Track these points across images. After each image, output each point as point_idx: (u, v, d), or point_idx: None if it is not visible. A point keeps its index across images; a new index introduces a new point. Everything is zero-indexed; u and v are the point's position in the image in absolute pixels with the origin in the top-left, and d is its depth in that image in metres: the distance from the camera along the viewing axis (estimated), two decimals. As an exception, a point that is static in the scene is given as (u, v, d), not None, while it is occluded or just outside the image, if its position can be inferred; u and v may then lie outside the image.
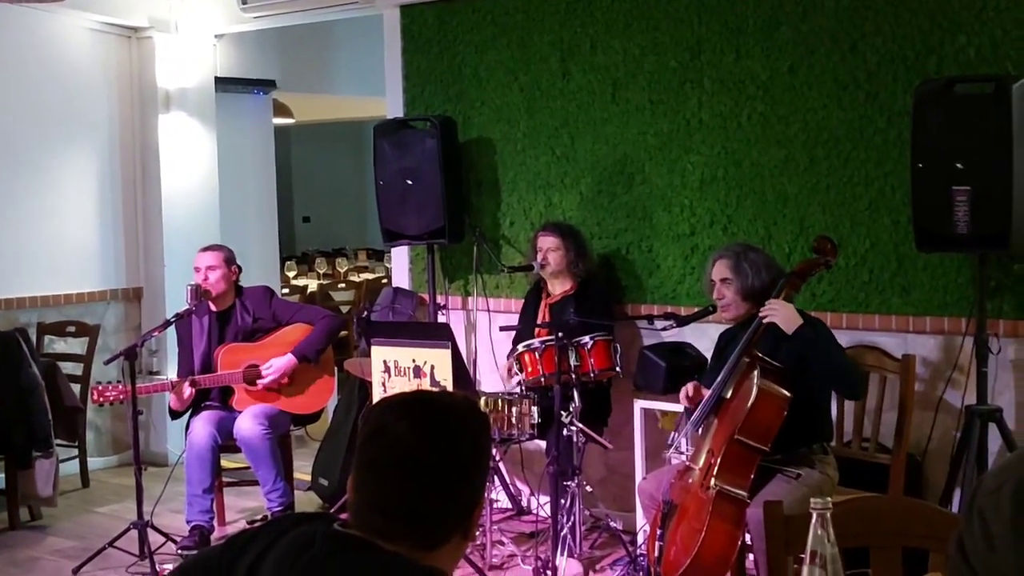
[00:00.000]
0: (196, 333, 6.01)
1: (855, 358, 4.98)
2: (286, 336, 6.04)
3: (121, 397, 5.64)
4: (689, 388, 4.72)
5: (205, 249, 6.06)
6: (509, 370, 5.78)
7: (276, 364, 5.93)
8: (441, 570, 1.86)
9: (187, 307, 5.83)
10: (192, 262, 6.07)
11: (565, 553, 5.20)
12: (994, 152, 4.35)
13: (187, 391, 5.79)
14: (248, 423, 5.77)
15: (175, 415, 6.00)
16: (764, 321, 4.49)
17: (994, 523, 1.29)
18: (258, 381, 5.92)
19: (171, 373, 7.06)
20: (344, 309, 10.68)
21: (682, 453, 4.89)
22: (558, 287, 5.83)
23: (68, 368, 7.00)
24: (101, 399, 5.66)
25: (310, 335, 6.03)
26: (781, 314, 4.46)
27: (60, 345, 7.35)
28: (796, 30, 5.36)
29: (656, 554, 4.43)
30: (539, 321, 5.78)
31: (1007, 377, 4.89)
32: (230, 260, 6.02)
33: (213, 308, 6.02)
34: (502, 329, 5.80)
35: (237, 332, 6.00)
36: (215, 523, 5.93)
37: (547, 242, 5.75)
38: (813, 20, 5.31)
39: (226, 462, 6.33)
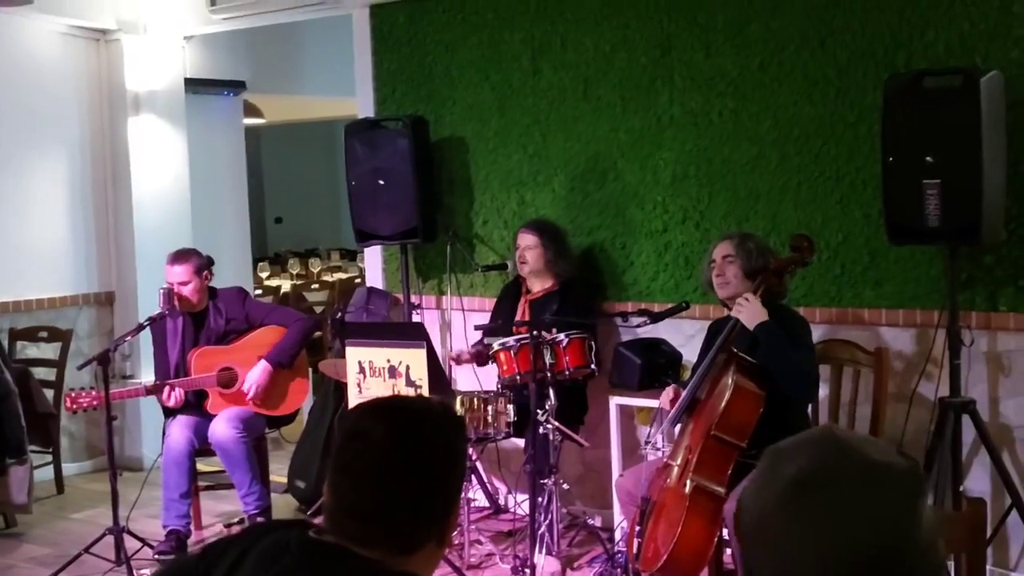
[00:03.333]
0: (170, 336, 5.97)
1: (827, 352, 5.02)
2: (259, 338, 6.01)
3: (95, 403, 5.61)
4: (670, 392, 4.73)
5: (174, 261, 5.92)
6: (459, 357, 5.77)
7: (253, 378, 5.89)
8: (416, 575, 1.86)
9: (160, 311, 5.80)
10: (164, 265, 6.02)
11: (543, 551, 5.20)
12: (963, 145, 4.37)
13: (176, 395, 5.74)
14: (223, 427, 5.75)
15: (169, 412, 5.93)
16: (733, 315, 4.53)
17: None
18: (247, 399, 5.89)
19: (145, 377, 7.05)
20: (318, 309, 10.67)
21: (658, 449, 4.90)
22: (538, 284, 5.83)
23: (41, 374, 6.96)
24: (75, 406, 5.62)
25: (283, 339, 6.00)
26: (746, 311, 4.51)
27: (32, 350, 7.30)
28: (766, 27, 5.38)
29: (635, 550, 4.45)
30: (518, 318, 5.78)
31: (980, 369, 4.92)
32: (201, 268, 5.93)
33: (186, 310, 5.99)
34: (477, 328, 5.80)
35: (211, 335, 5.97)
36: (192, 527, 5.90)
37: (525, 240, 5.75)
38: (782, 16, 5.33)
39: (202, 466, 6.30)
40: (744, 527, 1.48)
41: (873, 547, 1.39)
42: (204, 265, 5.97)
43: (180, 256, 5.97)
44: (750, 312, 4.50)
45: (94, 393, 5.61)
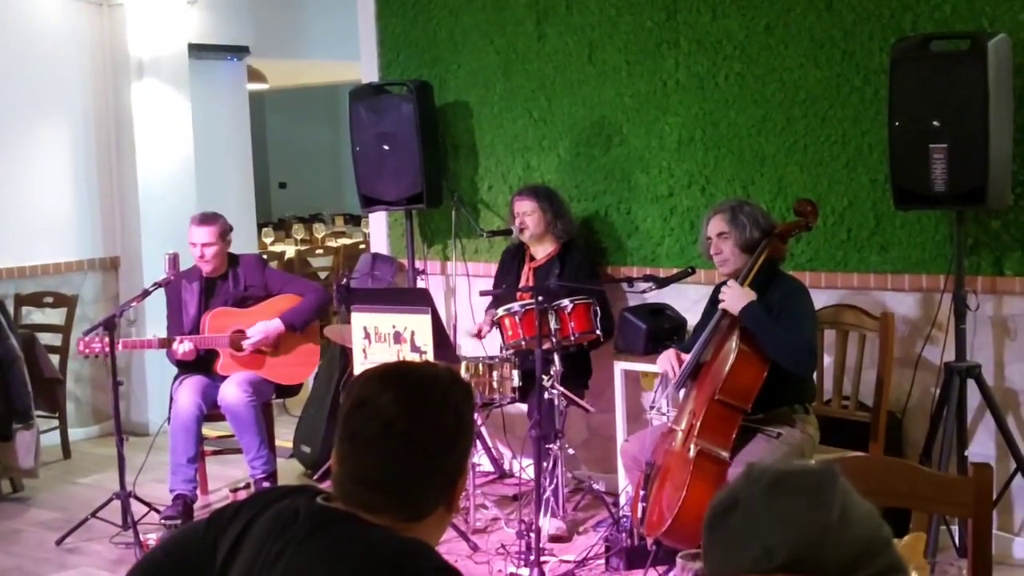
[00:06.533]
0: (187, 298, 5.98)
1: (833, 317, 5.02)
2: (275, 305, 6.01)
3: (107, 350, 5.58)
4: (672, 357, 4.73)
5: (200, 223, 5.95)
6: (479, 331, 5.78)
7: (262, 325, 5.90)
8: (423, 542, 1.86)
9: (165, 276, 5.79)
10: (170, 229, 6.02)
11: (548, 515, 5.22)
12: (970, 109, 4.36)
13: (184, 347, 5.75)
14: (233, 390, 5.77)
15: (184, 366, 5.93)
16: (720, 306, 4.53)
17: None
18: (244, 343, 5.89)
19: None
20: (323, 275, 10.67)
21: (663, 414, 4.91)
22: (541, 251, 5.82)
23: (46, 339, 6.97)
24: (87, 351, 5.59)
25: (299, 304, 6.01)
26: (729, 299, 4.51)
27: (38, 316, 7.31)
28: (772, -12, 5.35)
29: (640, 515, 4.46)
30: (523, 285, 5.78)
31: (986, 333, 4.91)
32: (224, 232, 5.96)
33: (205, 274, 5.99)
34: (482, 294, 5.79)
35: (228, 299, 5.98)
36: (198, 492, 5.92)
37: (523, 206, 5.74)
38: (789, -22, 5.30)
39: (208, 431, 6.31)
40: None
41: (791, 551, 1.44)
42: (228, 231, 6.01)
43: (207, 218, 6.00)
44: (732, 299, 4.49)
45: (106, 340, 5.58)
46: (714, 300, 4.80)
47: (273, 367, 6.00)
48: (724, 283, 4.67)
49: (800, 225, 4.68)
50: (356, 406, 1.91)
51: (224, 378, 5.88)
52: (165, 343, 5.85)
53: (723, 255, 4.66)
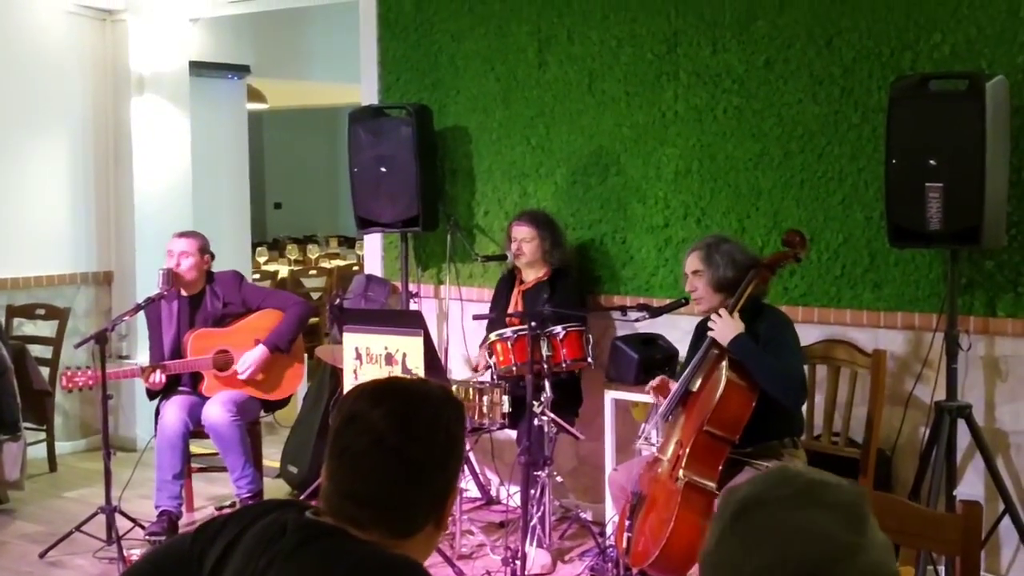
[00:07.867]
0: (165, 318, 5.96)
1: (825, 353, 5.02)
2: (256, 321, 6.00)
3: (91, 383, 5.60)
4: (655, 381, 4.72)
5: (180, 235, 6.00)
6: (476, 367, 5.79)
7: (249, 358, 5.89)
8: (412, 559, 1.85)
9: (159, 291, 5.79)
10: (164, 246, 6.03)
11: (534, 543, 5.20)
12: (967, 149, 4.37)
13: (155, 378, 5.75)
14: (216, 409, 5.75)
15: (152, 395, 5.95)
16: (708, 335, 4.51)
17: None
18: (238, 377, 5.88)
19: (141, 357, 7.03)
20: (315, 296, 10.66)
21: (653, 444, 4.89)
22: (531, 274, 5.83)
23: (37, 351, 6.96)
24: (71, 385, 5.61)
25: (281, 324, 6.00)
26: (718, 329, 4.46)
27: (29, 328, 7.30)
28: (773, 24, 5.37)
29: (625, 545, 4.45)
30: (512, 308, 5.78)
31: (977, 374, 4.91)
32: (204, 248, 5.97)
33: (183, 293, 5.98)
34: (475, 318, 5.79)
35: (207, 317, 5.97)
36: (183, 509, 5.90)
37: (521, 232, 5.74)
38: (789, 14, 5.32)
39: (195, 448, 6.29)
40: (701, 558, 1.51)
41: (807, 563, 1.40)
42: (207, 248, 5.99)
43: (187, 233, 6.06)
44: (722, 329, 4.46)
45: (90, 372, 5.60)
46: (699, 335, 4.78)
47: (259, 384, 5.98)
48: (707, 319, 4.65)
49: (788, 256, 4.65)
50: (347, 421, 1.90)
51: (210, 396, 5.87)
52: (148, 371, 5.82)
53: (697, 292, 4.64)
